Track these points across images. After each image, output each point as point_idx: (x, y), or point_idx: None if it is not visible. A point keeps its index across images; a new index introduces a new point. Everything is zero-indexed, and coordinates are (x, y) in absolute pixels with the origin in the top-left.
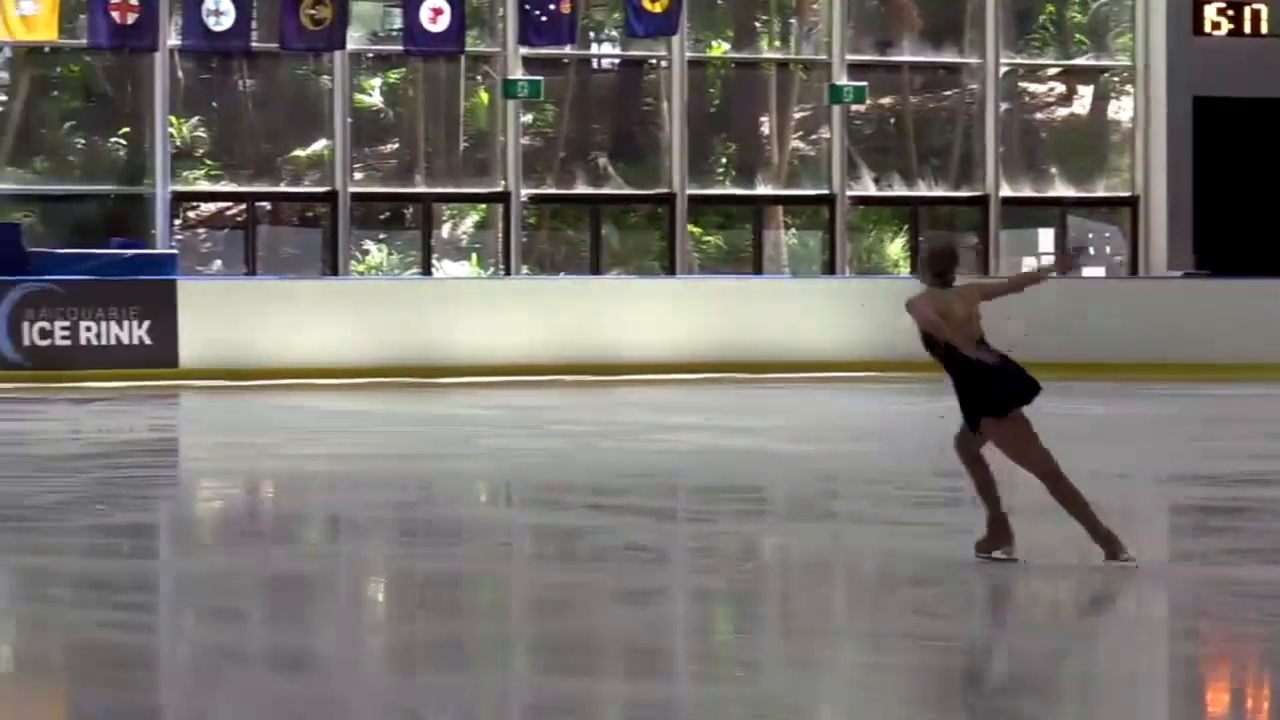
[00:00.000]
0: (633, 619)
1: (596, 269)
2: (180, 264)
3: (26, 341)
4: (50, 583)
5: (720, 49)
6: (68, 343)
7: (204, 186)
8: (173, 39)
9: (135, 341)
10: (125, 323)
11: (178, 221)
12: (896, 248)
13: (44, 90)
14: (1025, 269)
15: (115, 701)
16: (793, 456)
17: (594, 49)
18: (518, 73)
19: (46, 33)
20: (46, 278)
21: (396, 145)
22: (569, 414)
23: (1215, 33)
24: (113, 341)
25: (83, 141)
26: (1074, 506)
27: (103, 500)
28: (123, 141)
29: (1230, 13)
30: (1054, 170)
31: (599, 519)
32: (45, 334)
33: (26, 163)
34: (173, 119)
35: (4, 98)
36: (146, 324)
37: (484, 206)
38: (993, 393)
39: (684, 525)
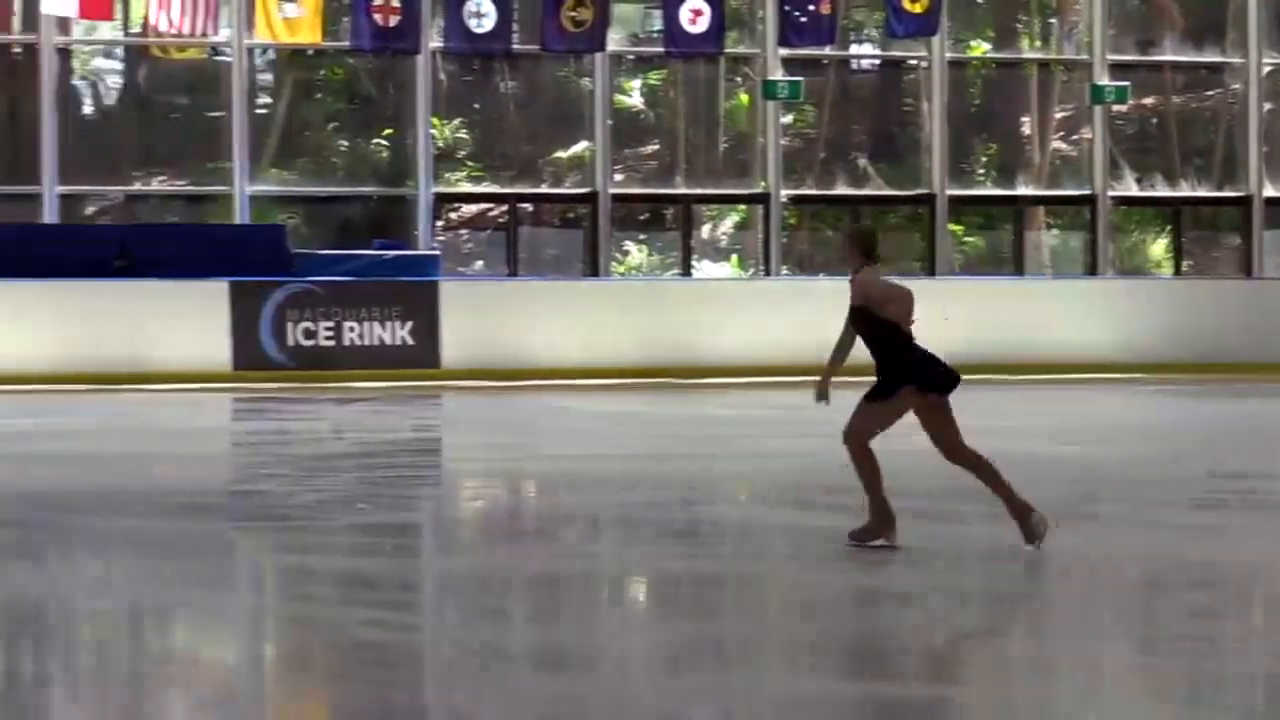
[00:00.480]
0: (892, 620)
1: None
2: (442, 265)
3: (291, 342)
4: (314, 581)
5: (980, 49)
6: (331, 343)
7: (466, 188)
8: (434, 41)
9: (398, 342)
10: (388, 323)
11: (439, 223)
12: (1159, 248)
13: (307, 92)
14: None
15: (379, 700)
16: (1053, 458)
17: (853, 49)
18: (777, 74)
19: (310, 35)
20: (310, 278)
21: (656, 146)
22: (828, 415)
23: None
24: (375, 342)
25: (346, 143)
26: (995, 482)
27: (365, 499)
28: (385, 143)
29: None
30: None
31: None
32: (309, 334)
33: (290, 164)
34: (435, 120)
35: (268, 100)
36: (409, 324)
37: (744, 207)
38: (917, 364)
39: (940, 526)
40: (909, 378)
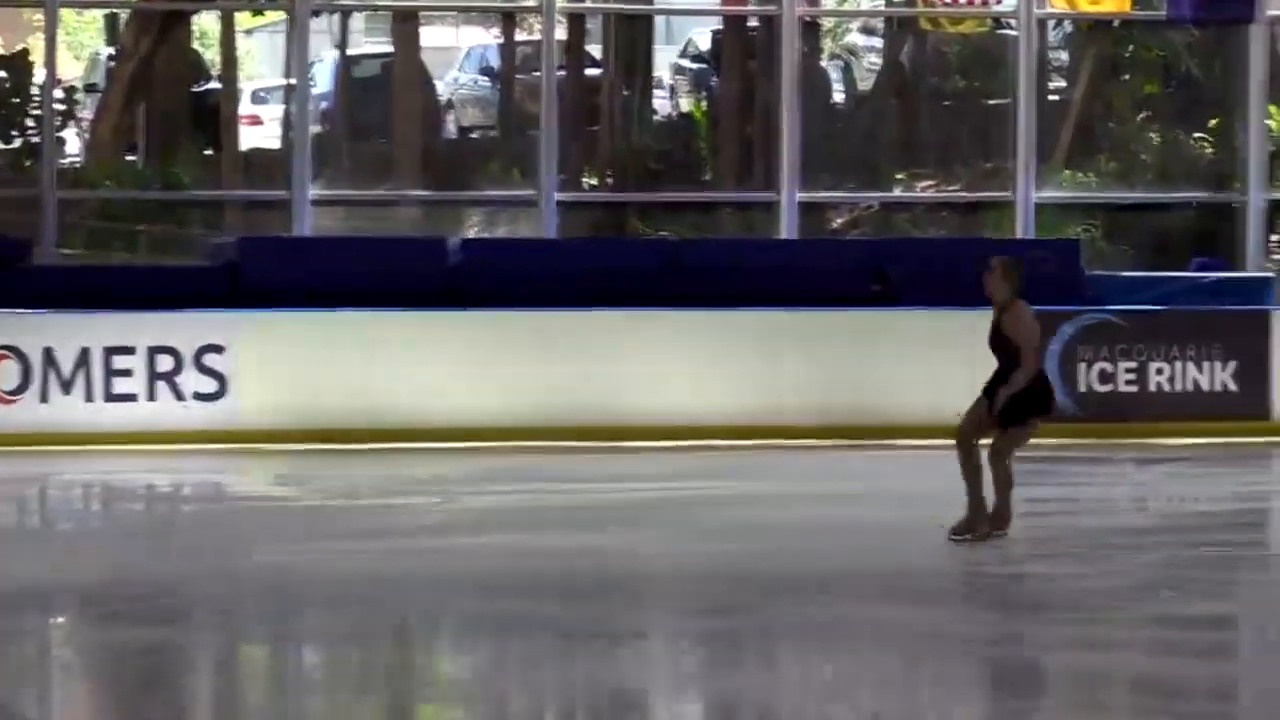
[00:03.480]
0: None
1: None
2: (1276, 291)
3: (1082, 386)
4: (1105, 686)
5: None
6: (1133, 388)
7: None
8: (1274, 8)
9: (1216, 387)
10: (1205, 364)
11: (1275, 238)
12: None
13: (1112, 74)
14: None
15: None
16: None
17: None
18: None
19: (1116, 3)
20: (1108, 308)
21: None
22: None
23: None
24: (1189, 387)
25: (1158, 137)
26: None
27: (1172, 585)
28: (1208, 137)
29: None
30: None
31: None
32: (1105, 377)
33: (1088, 164)
34: (1271, 109)
35: (1062, 84)
36: (1231, 365)
37: None
38: (1048, 395)
39: None
40: (1039, 409)
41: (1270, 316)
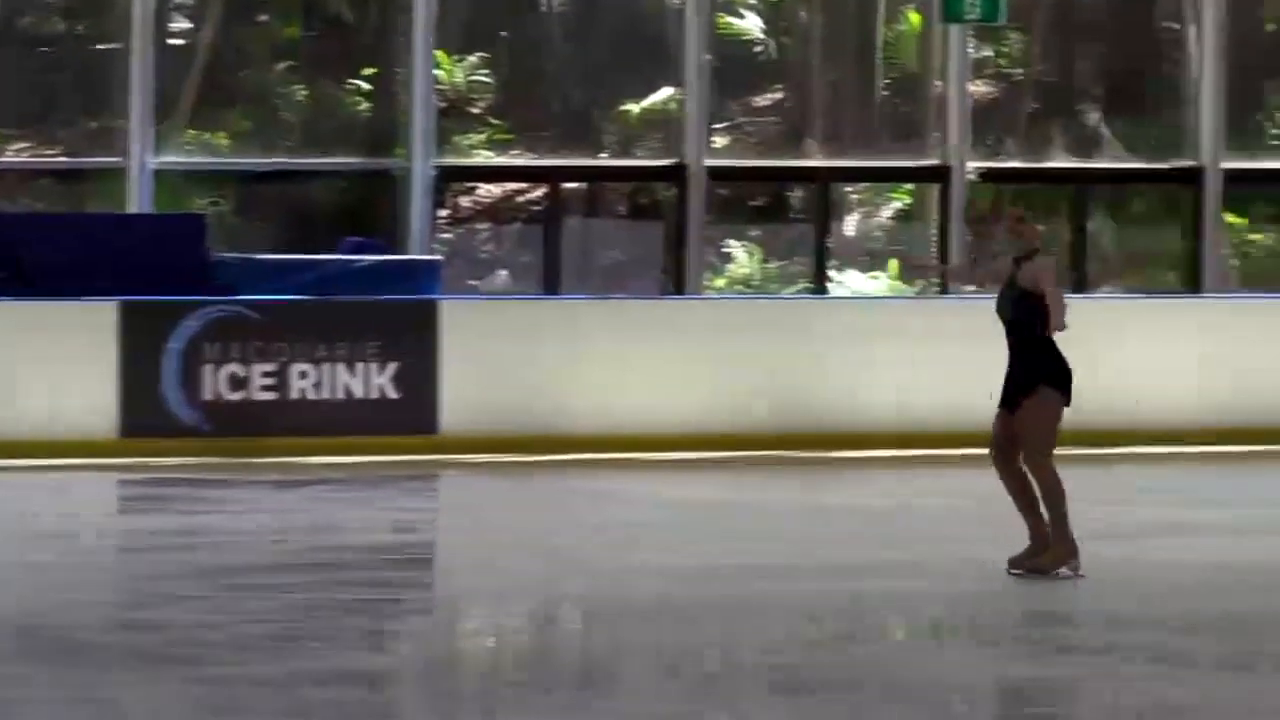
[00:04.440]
0: None
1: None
2: (446, 276)
3: (209, 394)
4: None
5: None
6: (272, 395)
7: (485, 158)
8: None
9: (374, 394)
10: (359, 365)
11: (444, 211)
12: None
13: (246, 15)
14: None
15: None
16: None
17: None
18: None
19: None
20: (242, 298)
21: (779, 95)
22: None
23: None
24: (340, 394)
25: (303, 90)
26: (1053, 502)
27: (318, 635)
28: (364, 86)
29: None
30: None
31: None
32: (238, 383)
33: (218, 122)
34: (440, 56)
35: (185, 24)
36: (392, 368)
37: (910, 187)
38: (1066, 370)
39: None
40: (1055, 380)
41: (438, 309)
